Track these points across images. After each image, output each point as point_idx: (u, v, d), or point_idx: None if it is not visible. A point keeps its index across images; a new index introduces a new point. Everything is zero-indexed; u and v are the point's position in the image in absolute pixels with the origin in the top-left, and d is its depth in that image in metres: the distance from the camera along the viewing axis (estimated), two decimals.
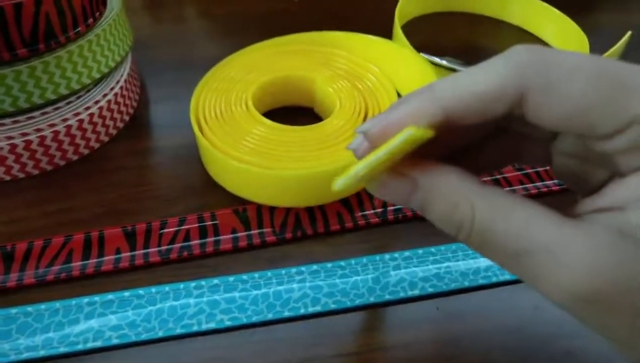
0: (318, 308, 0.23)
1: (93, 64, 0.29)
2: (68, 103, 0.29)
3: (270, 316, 0.23)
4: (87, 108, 0.29)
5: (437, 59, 0.35)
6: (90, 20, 0.29)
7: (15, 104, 0.27)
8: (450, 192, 0.14)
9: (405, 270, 0.25)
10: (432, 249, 0.26)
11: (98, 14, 0.30)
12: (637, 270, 0.12)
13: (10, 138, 0.27)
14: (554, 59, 0.13)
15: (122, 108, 0.32)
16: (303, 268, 0.25)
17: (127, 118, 0.33)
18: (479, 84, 0.14)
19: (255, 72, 0.32)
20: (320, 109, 0.33)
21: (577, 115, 0.13)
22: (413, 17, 0.45)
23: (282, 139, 0.28)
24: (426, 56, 0.34)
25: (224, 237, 0.26)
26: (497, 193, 0.14)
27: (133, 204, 0.28)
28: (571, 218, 0.13)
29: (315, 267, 0.25)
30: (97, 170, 0.30)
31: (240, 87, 0.31)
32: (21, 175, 0.29)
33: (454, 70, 0.33)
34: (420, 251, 0.26)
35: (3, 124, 0.27)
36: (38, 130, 0.28)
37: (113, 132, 0.32)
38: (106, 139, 0.31)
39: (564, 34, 0.41)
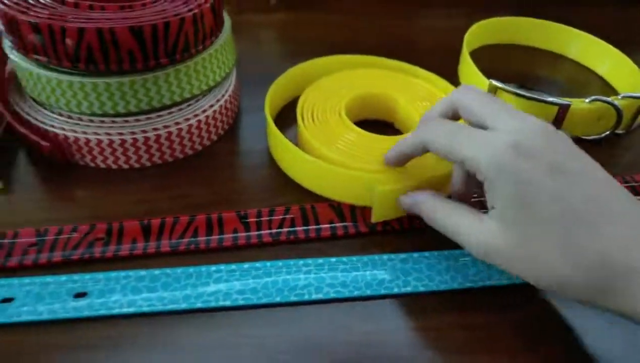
0: (397, 290, 0.27)
1: (210, 74, 0.34)
2: (189, 105, 0.34)
3: (368, 292, 0.27)
4: (208, 108, 0.34)
5: (503, 85, 0.39)
6: (213, 38, 0.34)
7: (150, 103, 0.32)
8: (429, 206, 0.27)
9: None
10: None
11: (218, 33, 0.35)
12: (508, 235, 0.23)
13: (144, 131, 0.32)
14: (434, 127, 0.27)
15: (229, 113, 0.37)
16: (392, 256, 0.29)
17: (231, 121, 0.38)
18: (407, 145, 0.29)
19: (347, 87, 0.37)
20: (401, 124, 0.37)
21: (445, 153, 0.25)
22: (478, 46, 0.49)
23: (369, 145, 0.32)
24: (494, 82, 0.38)
25: (324, 225, 0.30)
26: (449, 206, 0.27)
27: (238, 195, 0.33)
28: (481, 213, 0.25)
29: (402, 256, 0.29)
30: (207, 165, 0.35)
31: (335, 98, 0.36)
32: (148, 164, 0.34)
33: (519, 95, 0.37)
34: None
35: (138, 120, 0.32)
36: (165, 126, 0.33)
37: (221, 132, 0.37)
38: (215, 138, 0.36)
39: (619, 69, 0.45)
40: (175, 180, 0.33)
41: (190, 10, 0.31)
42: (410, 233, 0.31)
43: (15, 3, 0.30)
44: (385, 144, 0.32)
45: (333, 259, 0.28)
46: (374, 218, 0.30)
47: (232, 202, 0.32)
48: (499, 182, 0.23)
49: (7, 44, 0.32)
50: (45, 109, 0.33)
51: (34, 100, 0.33)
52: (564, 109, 0.36)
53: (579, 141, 0.39)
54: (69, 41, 0.28)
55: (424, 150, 0.27)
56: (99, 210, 0.31)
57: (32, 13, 0.29)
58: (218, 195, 0.32)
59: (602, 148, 0.39)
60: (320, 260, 0.28)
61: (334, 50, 0.41)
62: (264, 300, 0.26)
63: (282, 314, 0.26)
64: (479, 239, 0.24)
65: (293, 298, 0.26)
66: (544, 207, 0.22)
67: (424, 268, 0.28)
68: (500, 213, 0.23)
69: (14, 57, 0.32)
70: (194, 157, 0.35)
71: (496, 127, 0.24)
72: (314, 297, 0.27)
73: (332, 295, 0.27)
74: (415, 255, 0.29)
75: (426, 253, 0.29)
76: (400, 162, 0.30)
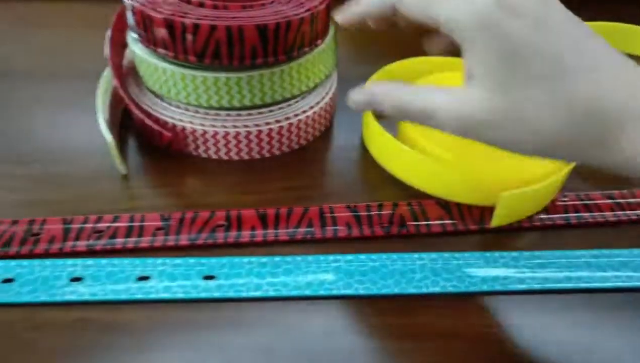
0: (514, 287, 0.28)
1: (318, 71, 0.36)
2: (296, 101, 0.35)
3: (484, 287, 0.27)
4: (315, 105, 0.36)
5: None
6: (323, 38, 0.35)
7: (263, 98, 0.34)
8: (391, 93, 0.24)
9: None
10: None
11: (327, 33, 0.36)
12: (494, 101, 0.21)
13: (257, 125, 0.34)
14: None
15: (330, 110, 0.38)
16: (504, 254, 0.29)
17: (330, 118, 0.39)
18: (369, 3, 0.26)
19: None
20: None
21: (417, 14, 0.23)
22: None
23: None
24: None
25: (433, 222, 0.31)
26: (415, 86, 0.24)
27: (344, 188, 0.34)
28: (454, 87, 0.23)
29: (514, 254, 0.29)
30: (310, 158, 0.36)
31: None
32: (257, 156, 0.35)
33: None
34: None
35: (251, 113, 0.34)
36: (277, 121, 0.34)
37: (322, 128, 0.38)
38: (318, 134, 0.38)
39: None
40: (283, 173, 0.34)
41: (308, 11, 0.32)
42: (520, 232, 0.31)
43: (146, 0, 0.32)
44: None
45: (446, 254, 0.29)
46: (495, 222, 0.30)
47: (335, 195, 0.33)
48: (482, 43, 0.21)
49: (132, 37, 0.34)
50: (163, 100, 0.35)
51: (153, 92, 0.35)
52: None
53: None
54: (189, 37, 0.30)
55: (392, 8, 0.24)
56: (213, 198, 0.32)
57: (162, 10, 0.31)
58: (323, 188, 0.33)
59: None
60: (434, 255, 0.29)
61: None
62: (384, 291, 0.27)
63: (399, 305, 0.27)
64: (459, 113, 0.22)
65: (411, 290, 0.27)
66: (533, 65, 0.21)
67: (536, 267, 0.29)
68: (483, 79, 0.21)
69: (139, 50, 0.34)
70: (298, 151, 0.36)
71: None
72: (431, 289, 0.27)
73: (450, 289, 0.27)
74: (526, 254, 0.29)
75: (537, 253, 0.29)
76: (359, 22, 0.27)
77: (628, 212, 0.32)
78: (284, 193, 0.33)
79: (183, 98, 0.33)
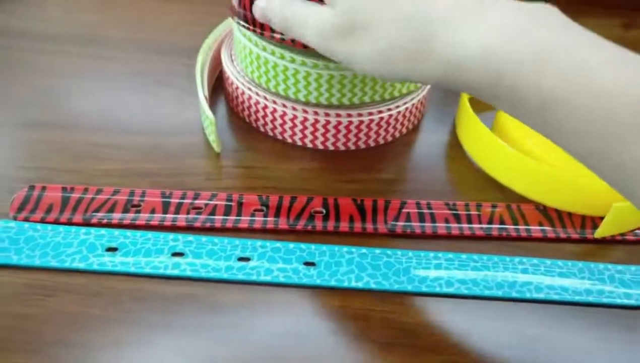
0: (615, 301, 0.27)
1: None
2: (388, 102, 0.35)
3: (590, 299, 0.27)
4: (408, 101, 0.35)
5: None
6: None
7: (361, 98, 0.33)
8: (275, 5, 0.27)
9: None
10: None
11: None
12: (337, 17, 0.24)
13: (349, 115, 0.33)
14: None
15: (422, 108, 0.38)
16: (609, 266, 0.28)
17: (420, 116, 0.38)
18: None
19: None
20: None
21: None
22: None
23: None
24: None
25: (533, 227, 0.30)
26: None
27: (437, 184, 0.33)
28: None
29: (613, 266, 0.28)
30: (406, 152, 0.35)
31: None
32: (352, 147, 0.35)
33: None
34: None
35: (350, 110, 0.33)
36: (370, 113, 0.34)
37: (413, 125, 0.37)
38: (409, 129, 0.37)
39: None
40: (375, 165, 0.34)
41: None
42: (621, 244, 0.30)
43: None
44: None
45: (548, 261, 0.28)
46: (601, 233, 0.30)
47: (428, 190, 0.32)
48: None
49: (238, 24, 0.34)
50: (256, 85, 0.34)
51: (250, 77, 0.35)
52: None
53: None
54: None
55: None
56: (309, 184, 0.32)
57: None
58: (415, 182, 0.33)
59: None
60: (535, 261, 0.28)
61: None
62: (487, 293, 0.27)
63: (500, 309, 0.26)
64: (317, 28, 0.24)
65: (514, 295, 0.27)
66: None
67: (631, 283, 0.28)
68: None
69: (243, 37, 0.33)
70: (390, 144, 0.36)
71: None
72: (535, 295, 0.27)
73: (554, 297, 0.27)
74: (621, 267, 0.28)
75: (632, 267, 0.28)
76: None
77: None
78: (377, 184, 0.33)
79: (282, 90, 0.33)
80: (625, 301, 0.27)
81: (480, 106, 0.34)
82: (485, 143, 0.33)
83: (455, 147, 0.36)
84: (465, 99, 0.35)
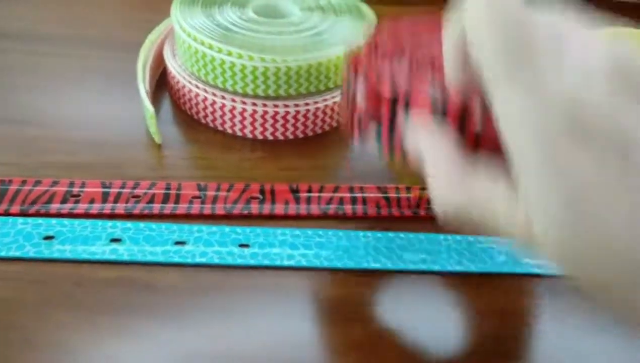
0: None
1: None
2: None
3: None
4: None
5: None
6: None
7: (297, 89, 0.34)
8: (435, 189, 0.20)
9: None
10: None
11: None
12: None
13: (286, 106, 0.35)
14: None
15: None
16: None
17: None
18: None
19: None
20: None
21: None
22: None
23: None
24: None
25: None
26: (467, 185, 0.19)
27: (373, 171, 0.35)
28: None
29: None
30: (343, 142, 0.37)
31: None
32: (291, 137, 0.36)
33: None
34: None
35: (286, 101, 0.35)
36: (306, 103, 0.35)
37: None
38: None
39: None
40: (313, 153, 0.35)
41: None
42: None
43: None
44: None
45: (471, 237, 0.30)
46: None
47: (364, 177, 0.34)
48: (543, 186, 0.16)
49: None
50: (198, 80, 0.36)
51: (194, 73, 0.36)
52: None
53: None
54: None
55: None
56: (247, 173, 0.33)
57: None
58: (352, 170, 0.35)
59: None
60: (459, 237, 0.30)
61: None
62: (411, 267, 0.28)
63: (424, 281, 0.28)
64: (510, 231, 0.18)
65: (436, 268, 0.28)
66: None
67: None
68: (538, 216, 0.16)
69: (182, 32, 0.34)
70: (328, 134, 0.37)
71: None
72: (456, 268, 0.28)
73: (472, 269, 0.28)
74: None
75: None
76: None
77: None
78: (314, 171, 0.34)
79: (220, 83, 0.34)
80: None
81: None
82: None
83: None
84: None
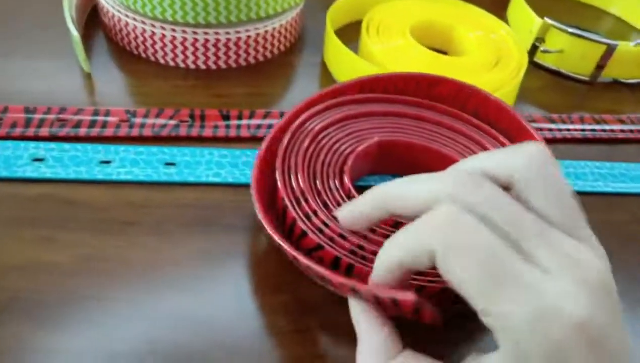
0: None
1: None
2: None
3: None
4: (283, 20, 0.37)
5: (558, 23, 0.40)
6: None
7: (228, 17, 0.34)
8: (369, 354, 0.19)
9: None
10: None
11: None
12: None
13: (217, 33, 0.35)
14: (463, 232, 0.16)
15: (296, 28, 0.39)
16: None
17: (296, 36, 0.40)
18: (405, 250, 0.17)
19: (411, 13, 0.39)
20: (454, 52, 0.40)
21: (464, 286, 0.16)
22: None
23: (434, 63, 0.35)
24: (548, 20, 0.40)
25: None
26: None
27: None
28: None
29: None
30: (278, 72, 0.37)
31: (401, 20, 0.38)
32: (223, 66, 0.36)
33: (572, 33, 0.39)
34: None
35: (218, 28, 0.35)
36: (237, 32, 0.35)
37: (287, 45, 0.39)
38: (282, 49, 0.39)
39: None
40: (247, 82, 0.36)
41: None
42: None
43: None
44: (450, 64, 0.35)
45: None
46: None
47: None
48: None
49: None
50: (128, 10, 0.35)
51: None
52: (610, 50, 0.38)
53: (617, 84, 0.41)
54: None
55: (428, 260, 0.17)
56: (179, 99, 0.33)
57: None
58: (285, 98, 0.35)
59: None
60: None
61: None
62: None
63: None
64: None
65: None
66: None
67: None
68: None
69: None
70: (263, 64, 0.37)
71: (545, 267, 0.16)
72: None
73: None
74: None
75: None
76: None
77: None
78: (248, 98, 0.34)
79: (149, 11, 0.34)
80: None
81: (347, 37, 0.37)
82: (350, 64, 0.35)
83: (325, 67, 0.38)
84: (330, 28, 0.37)
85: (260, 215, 0.23)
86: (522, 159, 0.18)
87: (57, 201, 0.26)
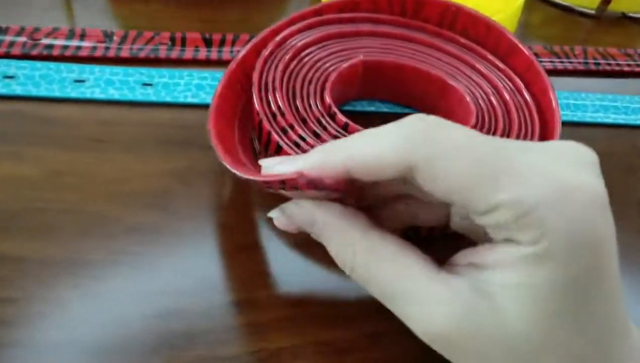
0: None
1: None
2: None
3: None
4: None
5: None
6: None
7: None
8: (337, 234, 0.16)
9: None
10: None
11: None
12: (481, 322, 0.14)
13: None
14: (442, 134, 0.14)
15: None
16: None
17: None
18: (373, 151, 0.15)
19: None
20: None
21: (456, 191, 0.14)
22: None
23: None
24: None
25: None
26: (380, 242, 0.16)
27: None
28: (443, 271, 0.15)
29: None
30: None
31: None
32: None
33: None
34: None
35: None
36: None
37: None
38: None
39: None
40: (237, 9, 0.34)
41: None
42: None
43: None
44: None
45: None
46: None
47: None
48: (558, 267, 0.14)
49: None
50: None
51: None
52: None
53: (626, 19, 0.39)
54: None
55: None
56: (161, 23, 0.32)
57: None
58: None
59: None
60: None
61: None
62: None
63: None
64: (438, 319, 0.15)
65: None
66: (594, 316, 0.14)
67: None
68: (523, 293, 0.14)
69: None
70: None
71: None
72: None
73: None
74: None
75: None
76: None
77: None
78: (232, 25, 0.33)
79: None
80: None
81: None
82: None
83: None
84: None
85: (211, 132, 0.21)
86: None
87: (28, 118, 0.25)
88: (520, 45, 0.25)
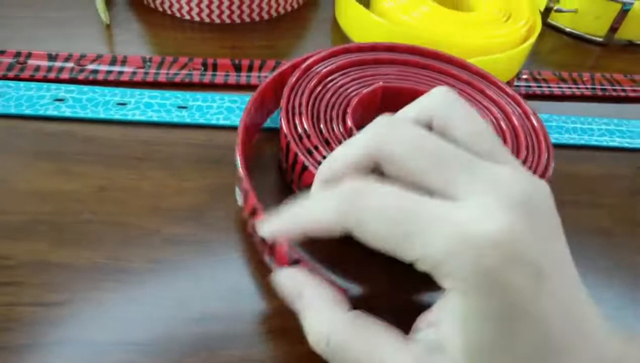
0: None
1: None
2: None
3: None
4: None
5: None
6: None
7: None
8: (316, 317, 0.18)
9: None
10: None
11: None
12: None
13: None
14: (365, 201, 0.16)
15: None
16: None
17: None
18: (317, 219, 0.17)
19: None
20: (464, 7, 0.40)
21: (387, 248, 0.16)
22: None
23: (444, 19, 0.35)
24: None
25: None
26: (354, 321, 0.18)
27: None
28: (410, 340, 0.17)
29: None
30: (292, 26, 0.38)
31: None
32: (237, 20, 0.37)
33: None
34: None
35: None
36: None
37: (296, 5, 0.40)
38: (295, 6, 0.40)
39: None
40: (260, 36, 0.37)
41: None
42: None
43: None
44: (460, 20, 0.35)
45: None
46: None
47: None
48: (477, 304, 0.15)
49: None
50: None
51: None
52: (625, 9, 0.38)
53: (632, 46, 0.41)
54: None
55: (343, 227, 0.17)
56: (193, 49, 0.34)
57: None
58: (297, 51, 0.36)
59: None
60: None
61: None
62: None
63: None
64: None
65: None
66: (523, 341, 0.15)
67: None
68: (461, 349, 0.16)
69: None
70: (277, 19, 0.38)
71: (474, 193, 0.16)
72: None
73: None
74: None
75: None
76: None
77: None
78: (260, 50, 0.35)
79: None
80: None
81: None
82: (361, 19, 0.35)
83: (336, 24, 0.39)
84: None
85: (238, 158, 0.24)
86: (435, 100, 0.19)
87: (75, 138, 0.28)
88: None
